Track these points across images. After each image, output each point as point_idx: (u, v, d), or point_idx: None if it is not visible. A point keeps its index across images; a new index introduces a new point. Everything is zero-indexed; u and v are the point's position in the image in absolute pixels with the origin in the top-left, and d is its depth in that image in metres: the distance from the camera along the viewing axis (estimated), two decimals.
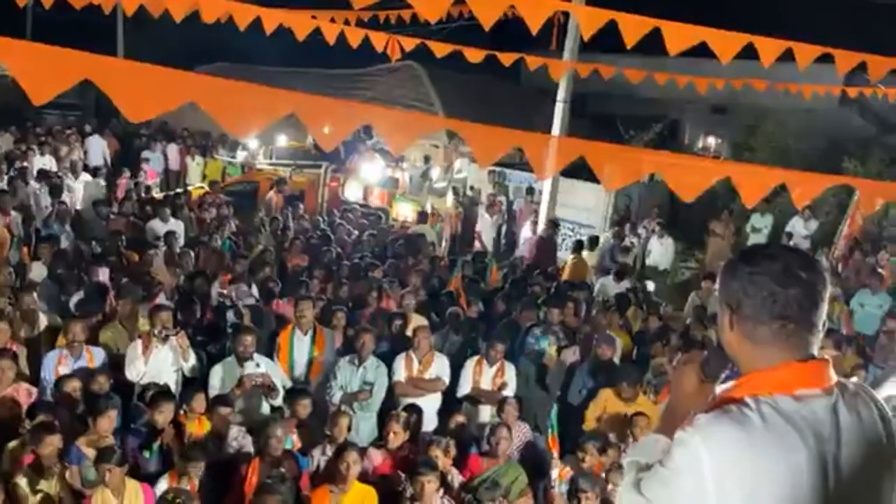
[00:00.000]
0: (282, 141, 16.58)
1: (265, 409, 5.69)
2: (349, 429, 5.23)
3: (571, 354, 6.87)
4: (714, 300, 9.12)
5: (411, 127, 5.01)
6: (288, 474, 4.45)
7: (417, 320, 7.02)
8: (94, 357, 5.70)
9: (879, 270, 10.59)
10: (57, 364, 5.54)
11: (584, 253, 11.00)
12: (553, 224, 12.22)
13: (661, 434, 1.65)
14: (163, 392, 5.26)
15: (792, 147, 14.91)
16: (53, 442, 4.37)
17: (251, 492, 4.52)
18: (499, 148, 5.11)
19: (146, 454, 4.87)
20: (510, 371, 6.32)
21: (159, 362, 5.74)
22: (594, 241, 11.48)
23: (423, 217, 12.59)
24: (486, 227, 13.06)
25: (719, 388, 1.57)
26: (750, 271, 1.51)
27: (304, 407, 5.40)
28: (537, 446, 5.80)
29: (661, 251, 11.80)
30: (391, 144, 5.52)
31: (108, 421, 4.76)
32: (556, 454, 5.21)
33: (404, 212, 13.66)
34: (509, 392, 6.19)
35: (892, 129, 15.77)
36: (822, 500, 1.39)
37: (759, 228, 12.62)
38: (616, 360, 6.93)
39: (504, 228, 13.64)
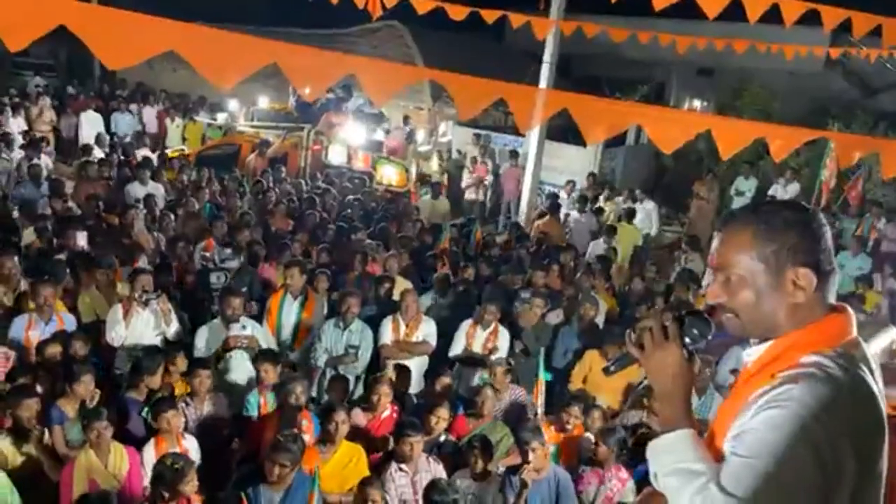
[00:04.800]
0: (263, 103, 16.24)
1: (251, 372, 5.66)
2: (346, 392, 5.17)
3: (555, 317, 6.88)
4: (692, 262, 9.25)
5: (393, 78, 4.86)
6: (302, 433, 4.44)
7: (403, 284, 6.98)
8: (65, 322, 5.56)
9: (857, 233, 10.73)
10: (27, 328, 5.39)
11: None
12: (554, 196, 12.02)
13: (668, 426, 1.53)
14: (153, 353, 5.19)
15: (777, 110, 14.93)
16: (32, 406, 4.32)
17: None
18: (482, 99, 5.00)
19: (142, 414, 4.82)
20: (503, 335, 6.27)
21: (140, 326, 5.64)
22: (632, 213, 10.85)
23: (436, 191, 11.43)
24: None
25: (751, 356, 1.53)
26: (814, 224, 1.49)
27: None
28: (524, 406, 5.82)
29: (643, 215, 11.79)
30: (373, 96, 5.35)
31: (84, 387, 4.69)
32: (540, 405, 5.24)
33: (388, 174, 13.49)
34: (500, 356, 6.18)
35: (876, 92, 15.79)
36: (885, 437, 1.43)
37: (743, 192, 12.64)
38: (600, 322, 6.95)
39: (489, 192, 13.56)
